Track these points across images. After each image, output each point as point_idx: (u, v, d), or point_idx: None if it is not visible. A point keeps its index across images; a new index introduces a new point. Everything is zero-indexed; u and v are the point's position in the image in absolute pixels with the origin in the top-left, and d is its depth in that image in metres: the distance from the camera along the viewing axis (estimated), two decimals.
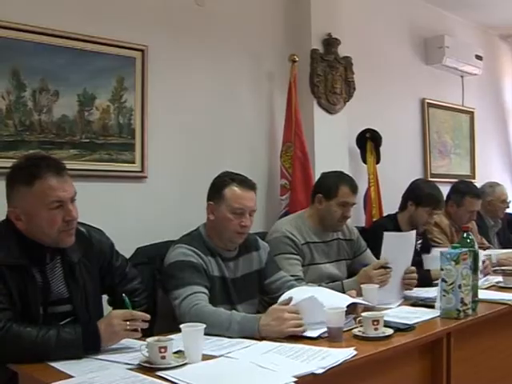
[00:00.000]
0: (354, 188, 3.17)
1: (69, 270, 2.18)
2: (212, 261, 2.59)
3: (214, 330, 2.19)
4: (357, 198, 3.27)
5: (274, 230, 3.17)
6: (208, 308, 2.32)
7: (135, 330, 2.02)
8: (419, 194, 3.63)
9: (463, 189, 4.16)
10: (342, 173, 3.31)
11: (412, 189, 3.72)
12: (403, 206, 3.71)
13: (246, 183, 2.64)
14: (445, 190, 4.22)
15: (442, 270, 2.49)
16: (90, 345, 1.97)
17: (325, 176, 3.30)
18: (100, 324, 2.03)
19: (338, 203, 3.11)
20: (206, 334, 1.98)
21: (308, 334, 2.19)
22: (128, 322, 2.01)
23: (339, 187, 3.12)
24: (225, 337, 2.19)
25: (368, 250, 3.36)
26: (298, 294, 2.35)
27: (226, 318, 2.24)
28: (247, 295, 2.70)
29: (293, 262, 3.01)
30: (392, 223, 3.66)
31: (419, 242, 3.74)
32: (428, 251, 3.71)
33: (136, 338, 2.04)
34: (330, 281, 3.10)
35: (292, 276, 2.89)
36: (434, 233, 3.94)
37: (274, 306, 2.26)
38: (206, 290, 2.43)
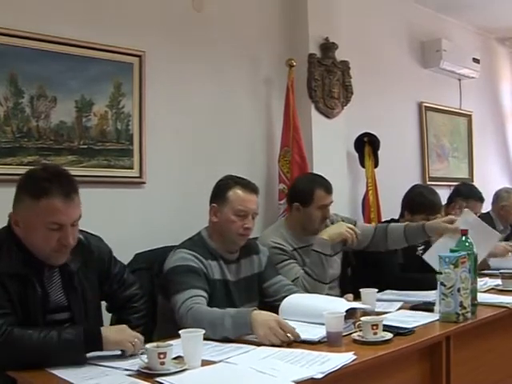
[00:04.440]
0: (328, 188, 3.12)
1: (68, 279, 2.18)
2: (213, 264, 2.60)
3: (211, 329, 2.17)
4: (333, 196, 3.16)
5: (262, 244, 3.06)
6: (203, 309, 2.32)
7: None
8: (411, 204, 3.63)
9: (467, 192, 4.17)
10: (313, 175, 3.29)
11: (406, 198, 3.71)
12: (402, 214, 3.71)
13: (249, 186, 2.67)
14: (443, 194, 4.23)
15: (440, 273, 2.50)
16: (91, 344, 1.97)
17: (297, 183, 3.26)
18: (108, 328, 2.09)
19: (316, 207, 3.07)
20: (206, 339, 1.99)
21: (307, 337, 2.19)
22: (136, 340, 2.01)
23: (314, 192, 3.07)
24: (223, 341, 2.19)
25: (358, 222, 3.36)
26: (297, 300, 2.35)
27: (220, 316, 2.24)
28: (248, 297, 2.71)
29: (289, 266, 2.98)
30: None
31: (421, 247, 3.74)
32: None
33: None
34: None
35: (295, 279, 2.90)
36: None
37: (275, 315, 2.23)
38: (204, 293, 2.43)
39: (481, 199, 4.12)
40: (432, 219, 3.58)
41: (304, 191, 3.11)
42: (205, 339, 1.98)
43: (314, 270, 2.88)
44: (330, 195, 3.12)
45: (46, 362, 1.92)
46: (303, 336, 2.19)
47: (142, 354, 1.92)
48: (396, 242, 3.22)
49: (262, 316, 2.19)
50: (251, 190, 2.67)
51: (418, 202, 3.58)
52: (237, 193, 2.63)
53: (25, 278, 2.05)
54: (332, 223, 3.23)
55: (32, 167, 2.20)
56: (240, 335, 2.21)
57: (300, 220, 3.13)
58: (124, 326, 2.12)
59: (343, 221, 3.25)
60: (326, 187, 3.11)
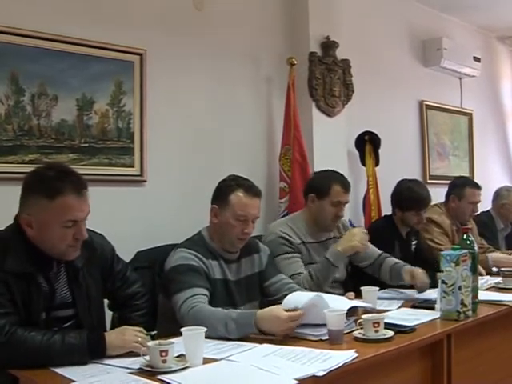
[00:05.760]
0: (346, 186, 3.13)
1: (73, 276, 2.19)
2: (214, 264, 2.60)
3: (214, 331, 2.19)
4: (349, 196, 3.19)
5: (268, 233, 3.14)
6: (206, 309, 2.32)
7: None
8: (400, 200, 3.62)
9: (462, 181, 4.18)
10: (333, 171, 3.25)
11: (394, 195, 3.71)
12: (393, 212, 3.71)
13: (252, 190, 2.64)
14: (443, 192, 4.23)
15: (442, 271, 2.50)
16: (95, 350, 1.97)
17: (316, 175, 3.28)
18: (110, 333, 2.08)
19: (331, 202, 3.07)
20: (207, 337, 2.00)
21: (309, 333, 2.20)
22: (140, 339, 2.02)
23: (331, 186, 3.07)
24: (225, 339, 2.20)
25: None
26: (300, 297, 2.35)
27: (222, 318, 2.24)
28: (249, 297, 2.71)
29: (292, 260, 2.99)
30: (389, 224, 3.66)
31: (414, 242, 3.75)
32: (421, 252, 3.72)
33: None
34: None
35: (294, 275, 2.91)
36: (434, 233, 3.91)
37: (276, 310, 2.24)
38: (206, 292, 2.43)
39: (477, 186, 4.11)
40: (423, 214, 3.59)
41: (321, 183, 3.12)
42: (206, 337, 1.99)
43: (317, 275, 2.89)
44: (346, 194, 3.12)
45: (48, 363, 1.93)
46: (305, 331, 2.22)
47: (144, 355, 1.92)
48: (384, 276, 3.18)
49: (266, 314, 2.21)
50: (254, 194, 2.63)
51: (407, 197, 3.58)
52: (239, 197, 2.59)
53: (29, 276, 2.05)
54: (343, 227, 3.28)
55: (35, 166, 2.18)
56: (243, 336, 2.22)
57: (314, 213, 3.14)
58: (124, 327, 2.12)
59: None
60: (344, 184, 3.12)
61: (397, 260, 3.18)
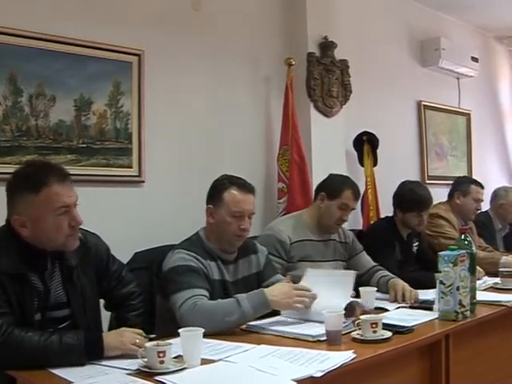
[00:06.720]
0: (356, 194, 3.24)
1: (67, 275, 2.18)
2: (212, 265, 2.60)
3: (228, 317, 2.27)
4: (356, 205, 3.33)
5: (270, 227, 3.27)
6: (210, 302, 2.36)
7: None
8: (401, 201, 3.63)
9: (467, 179, 4.36)
10: (348, 177, 3.37)
11: (396, 196, 3.71)
12: (394, 213, 3.71)
13: (245, 187, 2.65)
14: (442, 192, 4.24)
15: (440, 272, 2.50)
16: (92, 350, 1.97)
17: (331, 177, 3.34)
18: (108, 334, 2.09)
19: (339, 205, 3.16)
20: (206, 336, 1.99)
21: (307, 332, 2.22)
22: (138, 341, 2.02)
23: (343, 190, 3.18)
24: (221, 338, 2.20)
25: (364, 253, 3.37)
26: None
27: (233, 301, 2.32)
28: None
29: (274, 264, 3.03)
30: (390, 225, 3.66)
31: (416, 244, 3.75)
32: (423, 253, 3.72)
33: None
34: None
35: None
36: (445, 227, 3.98)
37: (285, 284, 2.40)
38: (206, 293, 2.43)
39: (481, 185, 4.20)
40: (424, 215, 3.59)
41: (335, 185, 3.23)
42: (206, 336, 1.99)
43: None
44: (355, 201, 3.26)
45: (45, 364, 1.92)
46: (303, 331, 2.24)
47: (142, 357, 1.92)
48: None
49: (273, 286, 2.37)
50: (247, 190, 2.65)
51: (409, 198, 3.59)
52: (232, 194, 2.61)
53: (23, 277, 2.04)
54: (344, 233, 3.35)
55: (15, 170, 2.18)
56: (258, 314, 2.33)
57: (320, 211, 3.23)
58: (123, 328, 2.12)
59: (353, 240, 3.37)
60: (356, 192, 3.25)
61: (386, 273, 3.19)
